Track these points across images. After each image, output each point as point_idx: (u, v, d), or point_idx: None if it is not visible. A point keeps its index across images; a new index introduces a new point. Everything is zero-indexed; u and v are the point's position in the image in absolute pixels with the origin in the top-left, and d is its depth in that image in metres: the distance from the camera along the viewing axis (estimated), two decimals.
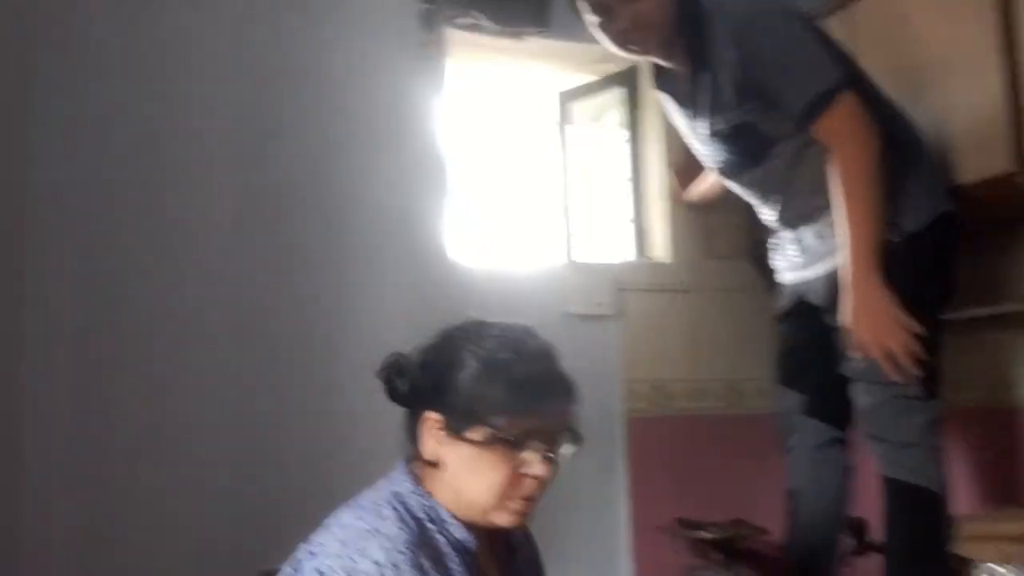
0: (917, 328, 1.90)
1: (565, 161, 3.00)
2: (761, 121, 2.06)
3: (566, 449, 1.34)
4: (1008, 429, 2.48)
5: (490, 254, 2.76)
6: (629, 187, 2.92)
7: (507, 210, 2.97)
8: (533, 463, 1.28)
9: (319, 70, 2.41)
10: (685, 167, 2.75)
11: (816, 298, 2.16)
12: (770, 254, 2.36)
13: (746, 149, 2.12)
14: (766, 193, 2.20)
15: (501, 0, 2.56)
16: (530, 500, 1.30)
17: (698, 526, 2.47)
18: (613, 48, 2.15)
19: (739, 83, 2.01)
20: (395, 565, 1.17)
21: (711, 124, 2.12)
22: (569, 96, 3.05)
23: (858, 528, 2.41)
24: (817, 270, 2.14)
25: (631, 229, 2.90)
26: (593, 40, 2.75)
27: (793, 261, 2.24)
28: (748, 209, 2.76)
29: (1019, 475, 2.45)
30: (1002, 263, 2.46)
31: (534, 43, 2.71)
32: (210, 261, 2.23)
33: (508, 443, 1.27)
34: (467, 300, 2.31)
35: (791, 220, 2.19)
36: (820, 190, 2.03)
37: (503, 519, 1.30)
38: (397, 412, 1.40)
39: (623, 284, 2.71)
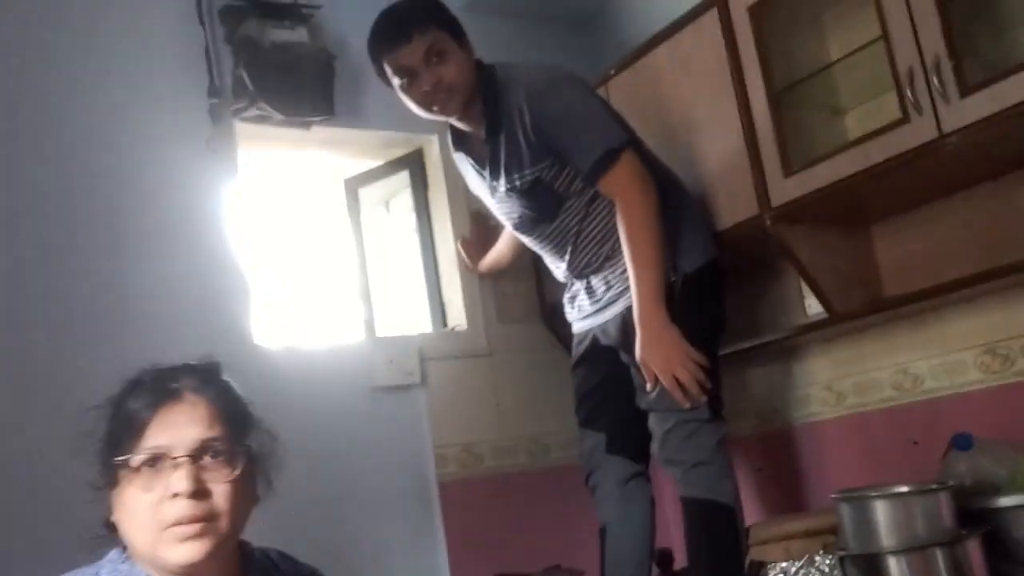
0: (701, 359, 2.11)
1: (360, 243, 3.10)
2: (553, 178, 2.25)
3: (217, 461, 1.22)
4: (781, 448, 2.75)
5: (293, 335, 2.79)
6: (422, 262, 3.05)
7: (307, 293, 3.02)
8: (172, 480, 1.17)
9: (112, 170, 2.42)
10: (473, 240, 2.93)
11: (608, 340, 2.34)
12: (565, 308, 2.53)
13: (540, 205, 2.30)
14: (559, 246, 2.37)
15: (287, 91, 2.65)
16: (187, 522, 1.17)
17: None
18: (417, 109, 2.29)
19: (533, 143, 2.21)
20: None
21: (507, 182, 2.29)
22: (356, 182, 3.16)
23: (666, 559, 2.58)
24: (607, 314, 2.33)
25: (428, 301, 3.02)
26: (378, 126, 2.93)
27: (584, 309, 2.41)
28: (536, 275, 2.97)
29: (795, 485, 2.72)
30: (762, 299, 2.76)
31: (321, 131, 2.81)
32: None
33: (143, 467, 1.18)
34: (272, 381, 2.33)
35: (581, 270, 2.37)
36: (606, 240, 2.27)
37: (176, 555, 1.17)
38: None
39: (426, 353, 2.81)
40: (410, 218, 3.09)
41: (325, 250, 3.10)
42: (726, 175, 2.41)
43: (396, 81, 2.26)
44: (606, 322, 2.33)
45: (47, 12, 2.46)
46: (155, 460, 1.19)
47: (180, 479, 1.17)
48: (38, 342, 2.22)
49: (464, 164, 2.48)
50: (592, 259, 2.33)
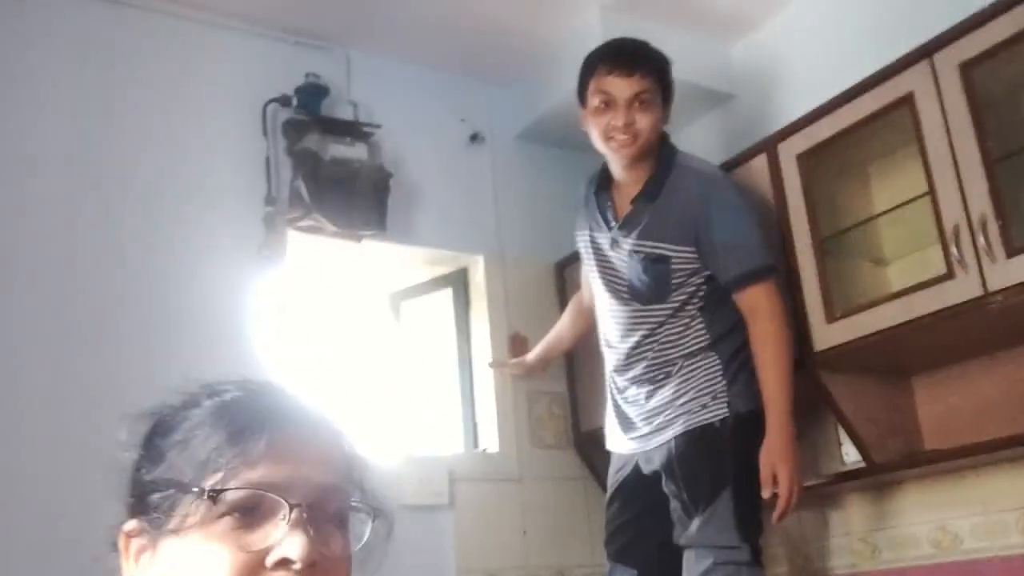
0: (800, 486, 2.10)
1: (397, 357, 3.13)
2: (680, 266, 2.24)
3: (353, 519, 0.85)
4: None
5: None
6: (459, 381, 3.06)
7: (345, 404, 3.04)
8: (283, 539, 0.77)
9: (167, 268, 2.49)
10: (510, 356, 2.95)
11: (651, 468, 2.29)
12: (608, 425, 2.46)
13: (655, 282, 2.27)
14: (641, 334, 2.30)
15: (342, 205, 2.72)
16: None
17: None
18: (594, 136, 2.33)
19: (684, 225, 2.23)
20: None
21: (635, 244, 2.28)
22: (400, 296, 3.21)
23: None
24: (655, 440, 2.26)
25: (462, 422, 3.02)
26: (426, 243, 2.99)
27: (634, 429, 2.33)
28: (572, 402, 2.96)
29: None
30: (799, 444, 2.71)
31: (371, 245, 2.87)
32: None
33: (233, 513, 0.77)
34: None
35: (643, 376, 2.30)
36: (682, 344, 2.25)
37: None
38: None
39: (456, 475, 2.79)
40: (450, 336, 3.12)
41: (365, 362, 3.12)
42: None
43: (593, 102, 2.31)
44: (652, 449, 2.27)
45: (124, 102, 2.60)
46: (256, 506, 0.78)
47: (297, 542, 0.77)
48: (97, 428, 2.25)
49: (590, 208, 2.45)
50: (660, 363, 2.27)
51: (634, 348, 2.32)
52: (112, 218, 2.48)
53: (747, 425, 2.16)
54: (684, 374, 2.23)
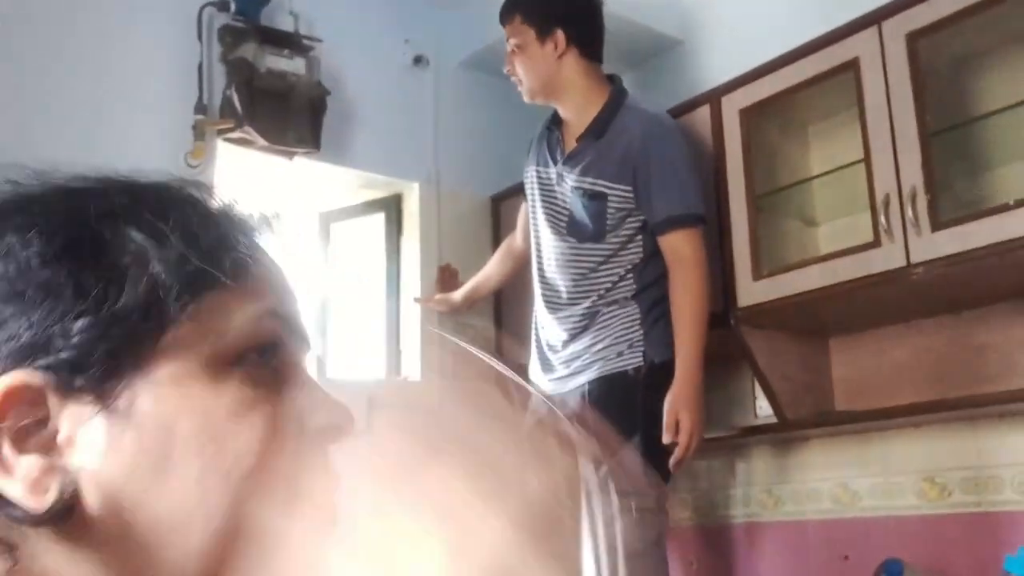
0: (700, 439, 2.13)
1: (324, 279, 3.09)
2: (617, 205, 2.26)
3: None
4: (716, 544, 2.75)
5: None
6: (385, 309, 3.04)
7: None
8: (324, 399, 0.54)
9: (90, 165, 2.39)
10: (439, 289, 2.94)
11: (564, 410, 2.31)
12: (531, 364, 2.46)
13: (593, 217, 2.29)
14: (573, 270, 2.32)
15: (275, 119, 2.65)
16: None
17: None
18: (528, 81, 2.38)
19: (626, 165, 2.25)
20: None
21: (577, 180, 2.31)
22: (330, 217, 3.16)
23: None
24: (571, 383, 2.30)
25: (386, 347, 3.00)
26: (360, 166, 2.94)
27: (552, 370, 2.36)
28: (496, 338, 2.97)
29: None
30: (714, 395, 2.77)
31: (303, 163, 2.80)
32: None
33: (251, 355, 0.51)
34: None
35: (567, 318, 2.32)
36: (608, 295, 2.26)
37: None
38: None
39: (375, 401, 2.78)
40: (379, 261, 3.09)
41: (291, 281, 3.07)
42: None
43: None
44: (567, 391, 2.30)
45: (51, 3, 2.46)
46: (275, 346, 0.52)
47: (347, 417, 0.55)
48: None
49: (540, 144, 2.47)
50: (583, 308, 2.29)
51: (566, 287, 2.33)
52: (33, 117, 2.36)
53: (660, 374, 2.19)
54: (604, 321, 2.25)
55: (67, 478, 0.44)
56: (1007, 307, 2.16)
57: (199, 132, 2.60)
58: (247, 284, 0.51)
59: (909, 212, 1.99)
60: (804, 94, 2.31)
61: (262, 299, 0.52)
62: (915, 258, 1.98)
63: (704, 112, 2.48)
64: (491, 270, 2.84)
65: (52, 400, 0.45)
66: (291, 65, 2.72)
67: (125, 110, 2.50)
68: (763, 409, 2.57)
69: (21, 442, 0.44)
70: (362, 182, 3.05)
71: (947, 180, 2.05)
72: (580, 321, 2.30)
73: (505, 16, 2.38)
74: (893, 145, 2.05)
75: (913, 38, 2.04)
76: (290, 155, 2.74)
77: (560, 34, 2.32)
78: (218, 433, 0.48)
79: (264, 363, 0.51)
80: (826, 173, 2.34)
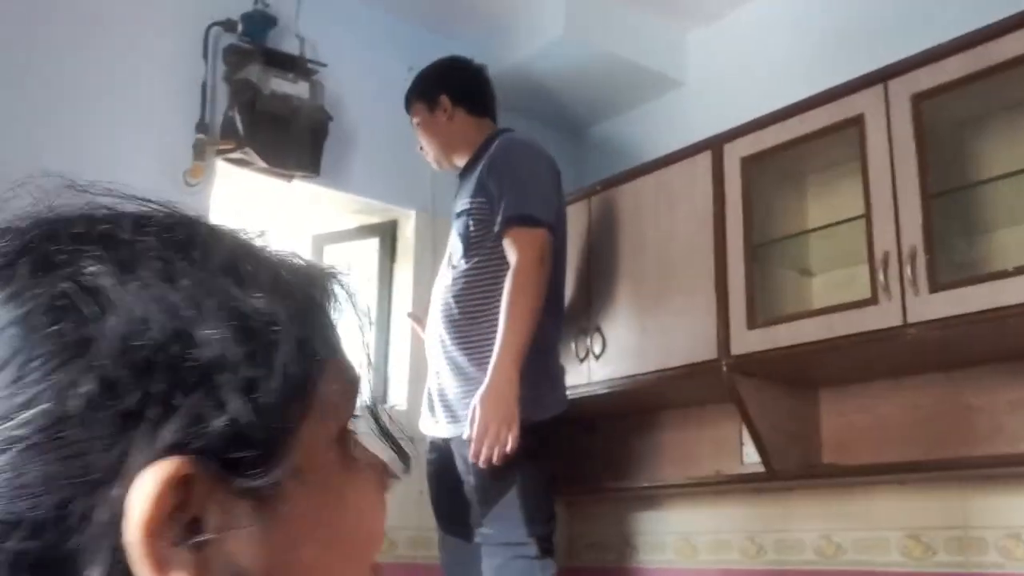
0: (516, 436, 2.07)
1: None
2: (477, 218, 2.29)
3: None
4: None
5: None
6: (374, 336, 3.02)
7: None
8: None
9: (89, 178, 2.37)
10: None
11: (448, 459, 2.29)
12: (423, 400, 2.44)
13: (463, 236, 2.33)
14: (442, 299, 2.33)
15: (276, 142, 2.64)
16: None
17: None
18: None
19: (481, 180, 2.32)
20: None
21: (456, 204, 2.41)
22: (324, 239, 3.14)
23: None
24: (450, 431, 2.26)
25: (373, 375, 2.98)
26: (358, 191, 2.93)
27: (434, 414, 2.33)
28: None
29: None
30: (700, 440, 2.78)
31: (301, 187, 2.79)
32: None
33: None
34: None
35: (437, 354, 2.32)
36: (471, 332, 2.23)
37: None
38: None
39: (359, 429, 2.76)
40: (371, 287, 3.07)
41: None
42: (689, 314, 2.44)
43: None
44: (448, 439, 2.27)
45: (55, 12, 2.44)
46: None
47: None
48: None
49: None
50: (450, 341, 2.27)
51: (438, 314, 2.33)
52: (37, 130, 2.34)
53: (537, 433, 2.16)
54: (470, 374, 2.21)
55: (224, 573, 0.41)
56: (998, 369, 2.17)
57: (199, 151, 2.59)
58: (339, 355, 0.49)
59: (908, 271, 2.00)
60: (806, 146, 2.32)
61: (348, 368, 0.49)
62: (911, 318, 1.99)
63: (705, 158, 2.50)
64: None
65: (201, 490, 0.41)
66: (295, 89, 2.71)
67: (127, 125, 2.49)
68: (749, 456, 2.58)
69: (176, 535, 0.40)
70: (358, 207, 3.04)
71: (946, 241, 2.06)
72: (449, 361, 2.29)
73: (407, 106, 2.56)
74: (894, 203, 2.06)
75: (918, 99, 2.06)
76: (289, 178, 2.73)
77: (444, 98, 2.47)
78: (360, 520, 0.48)
79: (351, 435, 0.49)
80: (826, 227, 2.35)
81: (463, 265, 2.31)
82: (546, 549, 2.18)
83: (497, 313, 2.18)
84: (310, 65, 2.76)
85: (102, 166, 2.40)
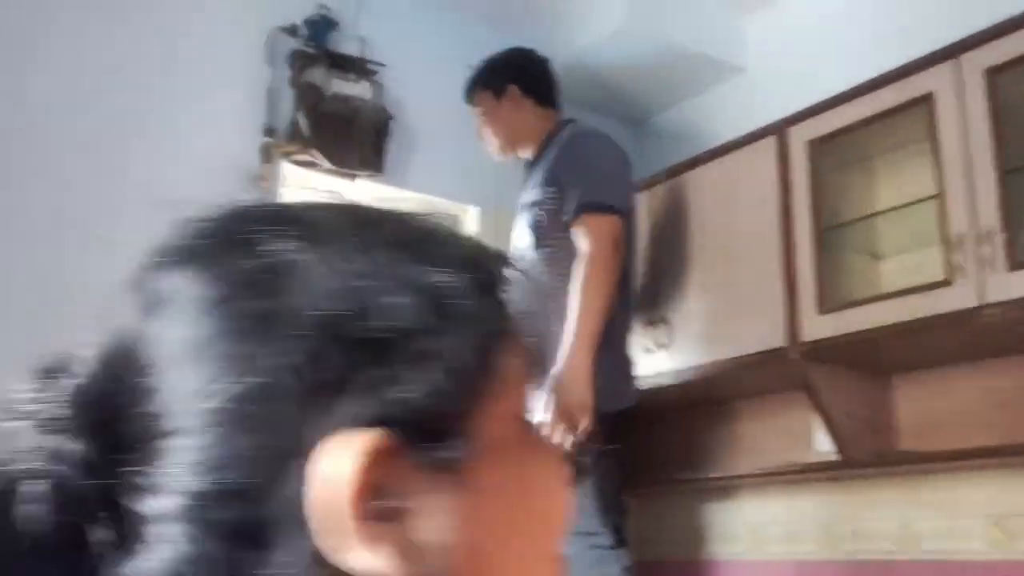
0: (590, 422, 2.08)
1: None
2: (549, 209, 2.30)
3: None
4: None
5: None
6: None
7: None
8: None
9: (163, 193, 2.43)
10: None
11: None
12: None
13: (533, 228, 2.35)
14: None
15: (340, 142, 2.67)
16: None
17: None
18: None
19: (550, 169, 2.34)
20: None
21: (524, 195, 2.43)
22: None
23: None
24: None
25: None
26: (421, 189, 2.95)
27: None
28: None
29: None
30: (769, 429, 2.74)
31: (365, 186, 2.82)
32: None
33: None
34: None
35: None
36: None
37: None
38: None
39: None
40: None
41: None
42: (757, 302, 2.41)
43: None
44: None
45: (127, 23, 2.51)
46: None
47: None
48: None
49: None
50: None
51: None
52: (112, 137, 2.41)
53: (611, 423, 2.17)
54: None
55: (429, 551, 0.40)
56: None
57: (266, 155, 2.63)
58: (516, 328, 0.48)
59: (986, 250, 1.95)
60: (875, 127, 2.28)
61: (529, 344, 0.48)
62: (989, 298, 1.94)
63: (770, 143, 2.46)
64: None
65: (399, 463, 0.40)
66: (357, 89, 2.75)
67: (197, 133, 2.53)
68: (821, 444, 2.53)
69: (378, 510, 0.39)
70: (423, 205, 3.05)
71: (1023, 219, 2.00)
72: None
73: (469, 95, 2.57)
74: (968, 182, 2.01)
75: (992, 73, 2.01)
76: (353, 177, 2.76)
77: (513, 88, 2.50)
78: (546, 498, 0.47)
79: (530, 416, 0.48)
80: (896, 208, 2.30)
81: (532, 255, 2.31)
82: (620, 539, 2.18)
83: (566, 302, 2.18)
84: (370, 65, 2.79)
85: (180, 175, 2.47)
